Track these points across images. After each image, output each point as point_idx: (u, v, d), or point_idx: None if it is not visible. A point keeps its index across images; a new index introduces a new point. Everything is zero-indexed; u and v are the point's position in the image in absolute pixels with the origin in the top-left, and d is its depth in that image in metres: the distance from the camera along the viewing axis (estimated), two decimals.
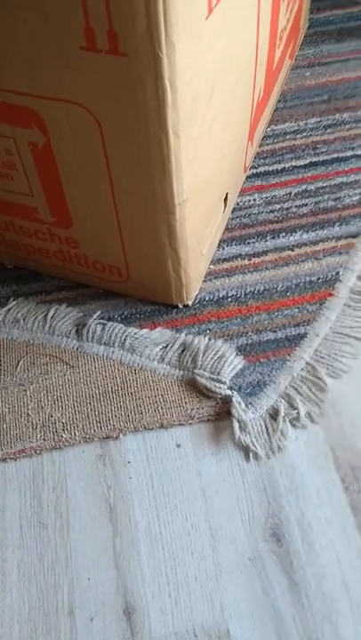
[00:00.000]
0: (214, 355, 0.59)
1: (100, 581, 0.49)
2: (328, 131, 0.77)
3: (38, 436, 0.55)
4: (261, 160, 0.75)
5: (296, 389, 0.57)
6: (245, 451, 0.54)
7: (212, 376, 0.57)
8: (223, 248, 0.67)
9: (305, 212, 0.70)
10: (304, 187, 0.72)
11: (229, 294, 0.64)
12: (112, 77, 0.42)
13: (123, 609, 0.48)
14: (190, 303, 0.63)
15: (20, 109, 0.47)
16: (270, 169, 0.74)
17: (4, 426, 0.56)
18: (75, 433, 0.55)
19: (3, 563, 0.50)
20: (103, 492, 0.53)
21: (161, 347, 0.60)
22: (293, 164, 0.74)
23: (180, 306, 0.63)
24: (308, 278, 0.64)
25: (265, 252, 0.67)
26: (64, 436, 0.55)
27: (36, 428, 0.56)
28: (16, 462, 0.55)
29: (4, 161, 0.52)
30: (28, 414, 0.57)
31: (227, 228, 0.69)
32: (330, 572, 0.48)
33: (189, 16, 0.40)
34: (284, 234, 0.68)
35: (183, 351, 0.60)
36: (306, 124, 0.78)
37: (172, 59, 0.40)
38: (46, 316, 0.63)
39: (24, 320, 0.63)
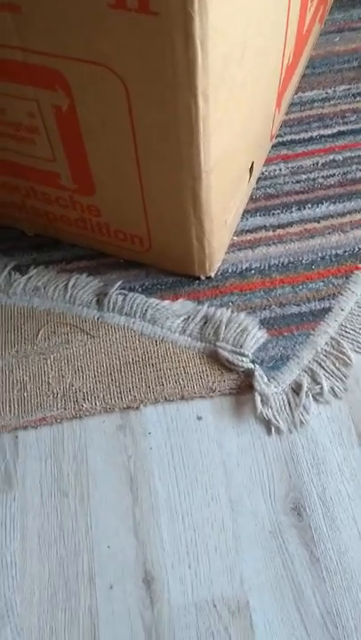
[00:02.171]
0: (237, 327, 0.58)
1: (120, 549, 0.49)
2: (357, 99, 0.75)
3: (59, 404, 0.55)
4: (288, 128, 0.73)
5: (320, 364, 0.56)
6: (267, 425, 0.54)
7: (234, 349, 0.56)
8: (247, 219, 0.66)
9: (332, 182, 0.68)
10: (332, 156, 0.70)
11: (253, 266, 0.62)
12: (141, 37, 0.41)
13: (142, 577, 0.48)
14: (213, 275, 0.62)
15: (44, 70, 0.46)
16: (297, 138, 0.72)
17: (25, 394, 0.56)
18: (95, 403, 0.55)
19: (23, 529, 0.50)
20: (123, 461, 0.53)
21: (183, 318, 0.59)
22: (321, 132, 0.72)
23: (203, 277, 0.62)
24: (334, 251, 0.63)
25: (290, 224, 0.65)
26: (85, 405, 0.55)
27: (56, 396, 0.56)
28: (37, 430, 0.55)
29: (27, 124, 0.51)
30: (48, 383, 0.56)
31: (251, 199, 0.67)
32: (351, 547, 0.48)
33: None
34: (310, 205, 0.66)
35: (205, 323, 0.59)
36: (334, 91, 0.76)
37: (204, 19, 0.39)
38: (67, 285, 0.62)
39: (44, 289, 0.62)
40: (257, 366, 0.56)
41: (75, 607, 0.47)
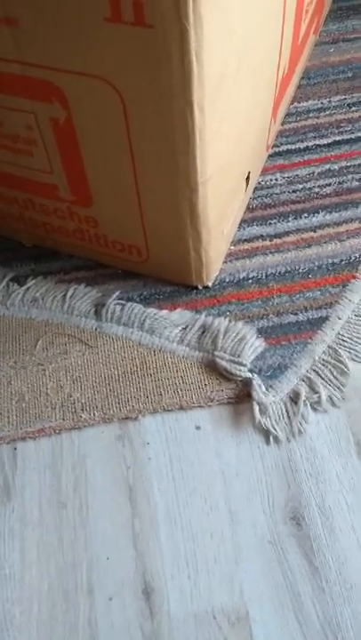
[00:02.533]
0: (235, 337, 0.58)
1: (120, 561, 0.49)
2: (353, 109, 0.75)
3: (57, 415, 0.55)
4: (284, 138, 0.73)
5: (317, 373, 0.56)
6: (266, 434, 0.54)
7: (232, 358, 0.56)
8: (244, 228, 0.66)
9: (328, 192, 0.68)
10: (327, 166, 0.70)
11: (250, 276, 0.63)
12: (137, 50, 0.41)
13: (142, 589, 0.48)
14: (210, 284, 0.62)
15: (41, 83, 0.46)
16: (293, 147, 0.72)
17: (24, 405, 0.56)
18: (94, 413, 0.55)
19: (22, 541, 0.50)
20: (122, 472, 0.53)
21: (180, 328, 0.59)
22: (317, 142, 0.73)
23: (200, 287, 0.62)
24: (330, 260, 0.63)
25: (287, 233, 0.65)
26: (83, 416, 0.55)
27: (55, 407, 0.56)
28: (35, 441, 0.55)
29: (24, 137, 0.52)
30: (47, 394, 0.56)
31: (248, 208, 0.67)
32: (350, 557, 0.48)
33: None
34: (306, 214, 0.66)
35: (203, 333, 0.59)
36: (330, 101, 0.77)
37: (199, 31, 0.39)
38: (65, 295, 0.62)
39: (43, 299, 0.62)
40: (255, 375, 0.56)
41: (74, 619, 0.47)
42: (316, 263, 0.63)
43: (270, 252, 0.64)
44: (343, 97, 0.77)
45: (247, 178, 0.63)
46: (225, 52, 0.44)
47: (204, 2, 0.38)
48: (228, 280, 0.63)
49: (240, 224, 0.66)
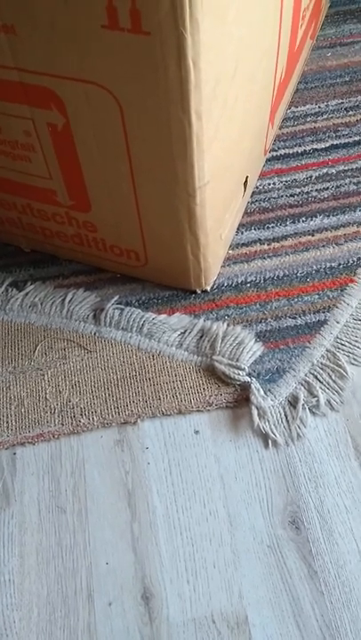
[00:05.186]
0: (233, 341, 0.58)
1: (119, 566, 0.49)
2: (350, 113, 0.76)
3: (56, 420, 0.55)
4: (281, 142, 0.74)
5: (316, 377, 0.56)
6: (264, 438, 0.54)
7: (230, 362, 0.57)
8: (242, 233, 0.66)
9: (326, 195, 0.68)
10: (325, 170, 0.71)
11: (248, 280, 0.63)
12: (134, 57, 0.41)
13: (141, 594, 0.48)
14: (209, 288, 0.62)
15: (39, 90, 0.47)
16: (291, 152, 0.73)
17: (23, 410, 0.56)
18: (93, 418, 0.55)
19: (21, 546, 0.50)
20: (121, 477, 0.53)
21: (179, 332, 0.59)
22: (314, 146, 0.73)
23: (199, 291, 0.62)
24: (328, 264, 0.63)
25: (285, 237, 0.66)
26: (82, 420, 0.55)
27: (54, 412, 0.56)
28: (34, 446, 0.55)
29: (23, 143, 0.52)
30: (46, 399, 0.56)
31: (246, 213, 0.68)
32: (349, 561, 0.48)
33: None
34: (304, 218, 0.67)
35: (202, 337, 0.59)
36: (327, 105, 0.77)
37: (195, 38, 0.39)
38: (64, 300, 0.62)
39: (42, 304, 0.62)
40: (253, 379, 0.56)
41: (73, 624, 0.47)
42: (315, 267, 0.63)
43: (268, 256, 0.64)
44: (340, 101, 0.77)
45: (245, 182, 0.63)
46: (222, 58, 0.44)
47: (200, 9, 0.38)
48: (226, 284, 0.63)
49: (238, 228, 0.66)
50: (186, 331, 0.60)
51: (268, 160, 0.72)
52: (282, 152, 0.73)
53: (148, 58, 0.41)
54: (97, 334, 0.60)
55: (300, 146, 0.73)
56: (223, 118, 0.49)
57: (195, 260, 0.58)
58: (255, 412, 0.54)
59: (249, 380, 0.56)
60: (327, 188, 0.69)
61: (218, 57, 0.43)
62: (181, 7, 0.37)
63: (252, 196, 0.69)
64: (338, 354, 0.57)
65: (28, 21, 0.42)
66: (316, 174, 0.70)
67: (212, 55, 0.42)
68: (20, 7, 0.41)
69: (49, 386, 0.57)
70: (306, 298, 0.61)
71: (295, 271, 0.63)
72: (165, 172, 0.49)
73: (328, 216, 0.67)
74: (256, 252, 0.65)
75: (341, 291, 0.61)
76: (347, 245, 0.64)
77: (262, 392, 0.55)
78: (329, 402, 0.55)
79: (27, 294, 0.63)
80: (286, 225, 0.66)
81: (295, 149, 0.73)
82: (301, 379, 0.56)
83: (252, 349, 0.58)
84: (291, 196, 0.69)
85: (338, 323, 0.59)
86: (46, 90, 0.46)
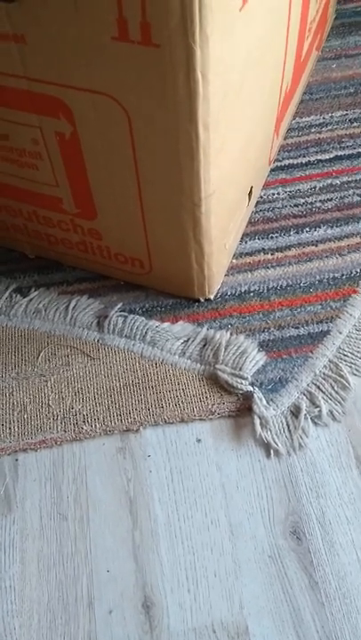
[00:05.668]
0: (236, 350, 0.58)
1: (120, 574, 0.49)
2: (354, 124, 0.76)
3: (59, 427, 0.55)
4: (286, 153, 0.74)
5: (318, 387, 0.56)
6: (266, 447, 0.54)
7: (233, 371, 0.57)
8: (246, 242, 0.67)
9: (330, 206, 0.69)
10: (329, 181, 0.71)
11: (252, 289, 0.63)
12: (143, 68, 0.42)
13: (141, 602, 0.48)
14: (212, 297, 0.62)
15: (48, 99, 0.47)
16: (295, 162, 0.73)
17: (25, 416, 0.56)
18: (95, 425, 0.55)
19: (22, 553, 0.50)
20: (123, 484, 0.53)
21: (182, 341, 0.60)
22: (318, 157, 0.73)
23: (202, 300, 0.62)
24: (331, 274, 0.63)
25: (288, 247, 0.66)
26: (85, 428, 0.55)
27: (56, 419, 0.56)
28: (36, 453, 0.55)
29: (30, 151, 0.52)
30: (48, 405, 0.57)
31: (250, 222, 0.68)
32: (350, 572, 0.48)
33: (224, 7, 0.40)
34: (308, 229, 0.67)
35: (205, 346, 0.59)
36: (331, 117, 0.77)
37: (205, 51, 0.40)
38: (68, 307, 0.63)
39: (45, 311, 0.63)
40: (256, 389, 0.56)
41: (74, 632, 0.47)
42: (318, 277, 0.63)
43: (272, 266, 0.65)
44: (345, 112, 0.78)
45: (250, 192, 0.63)
46: (230, 71, 0.45)
47: (210, 22, 0.38)
48: (229, 293, 0.63)
49: (242, 238, 0.67)
50: (189, 339, 0.60)
51: (272, 170, 0.72)
52: (286, 162, 0.73)
53: (157, 70, 0.41)
54: (100, 341, 0.60)
55: (304, 156, 0.74)
56: (230, 130, 0.49)
57: (199, 269, 0.58)
58: (257, 422, 0.54)
59: (251, 389, 0.56)
60: (331, 198, 0.69)
61: (226, 70, 0.44)
62: (192, 21, 0.38)
63: (256, 206, 0.69)
64: (340, 364, 0.57)
65: (38, 31, 0.42)
66: (320, 185, 0.71)
67: (220, 68, 0.42)
68: (30, 17, 0.42)
69: (52, 392, 0.57)
70: (309, 308, 0.61)
71: (298, 281, 0.63)
72: (172, 181, 0.49)
73: (332, 227, 0.67)
74: (260, 261, 0.65)
75: (344, 301, 0.61)
76: (350, 256, 0.64)
77: (265, 401, 0.55)
78: (331, 412, 0.55)
79: (31, 300, 0.63)
80: (290, 235, 0.67)
81: (299, 160, 0.73)
82: (304, 389, 0.56)
83: (255, 359, 0.58)
84: (295, 206, 0.69)
85: (340, 333, 0.59)
86: (55, 99, 0.47)
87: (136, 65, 0.42)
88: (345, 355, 0.58)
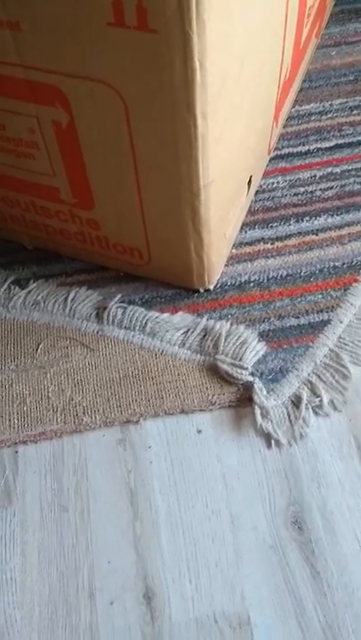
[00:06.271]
0: (236, 340, 0.58)
1: (121, 565, 0.49)
2: (354, 112, 0.75)
3: (59, 419, 0.55)
4: (286, 141, 0.73)
5: (319, 376, 0.56)
6: (267, 438, 0.54)
7: (233, 362, 0.56)
8: (246, 232, 0.66)
9: (330, 195, 0.68)
10: (329, 169, 0.70)
11: (252, 279, 0.63)
12: (139, 55, 0.41)
13: (143, 593, 0.48)
14: (212, 287, 0.62)
15: (44, 87, 0.46)
16: (295, 151, 0.72)
17: (25, 408, 0.56)
18: (95, 417, 0.55)
19: (23, 545, 0.50)
20: (123, 476, 0.53)
21: (182, 331, 0.59)
22: (318, 145, 0.73)
23: (202, 290, 0.62)
24: (332, 263, 0.63)
25: (288, 236, 0.65)
26: (85, 419, 0.55)
27: (56, 411, 0.56)
28: (36, 445, 0.55)
29: (27, 140, 0.52)
30: (48, 397, 0.56)
31: (249, 212, 0.67)
32: (352, 562, 0.48)
33: None
34: (308, 218, 0.66)
35: (205, 336, 0.59)
36: (331, 104, 0.77)
37: (202, 38, 0.39)
38: (67, 298, 0.62)
39: (44, 302, 0.62)
40: (256, 379, 0.56)
41: (75, 623, 0.47)
42: (318, 266, 0.63)
43: (272, 256, 0.64)
44: (345, 100, 0.77)
45: (249, 181, 0.63)
46: (228, 57, 0.44)
47: (207, 8, 0.38)
48: (229, 283, 0.63)
49: (242, 227, 0.66)
50: (189, 330, 0.59)
51: (271, 159, 0.72)
52: (286, 151, 0.73)
53: (154, 56, 0.41)
54: (100, 333, 0.60)
55: (304, 145, 0.73)
56: (228, 118, 0.48)
57: (198, 259, 0.58)
58: (258, 412, 0.54)
59: (252, 379, 0.56)
60: (331, 187, 0.69)
61: (224, 57, 0.43)
62: (188, 6, 0.37)
63: (255, 195, 0.69)
64: (341, 354, 0.57)
65: (33, 18, 0.42)
66: (321, 173, 0.70)
67: (218, 55, 0.42)
68: (25, 3, 0.41)
69: (51, 384, 0.57)
70: (309, 297, 0.61)
71: (299, 270, 0.63)
72: (170, 170, 0.49)
73: (332, 215, 0.66)
74: (260, 251, 0.65)
75: (345, 290, 0.61)
76: (351, 245, 0.64)
77: (265, 392, 0.55)
78: (332, 402, 0.55)
79: (29, 292, 0.63)
80: (290, 224, 0.66)
81: (299, 148, 0.73)
82: (304, 378, 0.56)
83: (255, 349, 0.57)
84: (295, 195, 0.69)
85: (341, 322, 0.59)
86: (51, 87, 0.46)
87: (133, 51, 0.41)
88: (345, 344, 0.57)
